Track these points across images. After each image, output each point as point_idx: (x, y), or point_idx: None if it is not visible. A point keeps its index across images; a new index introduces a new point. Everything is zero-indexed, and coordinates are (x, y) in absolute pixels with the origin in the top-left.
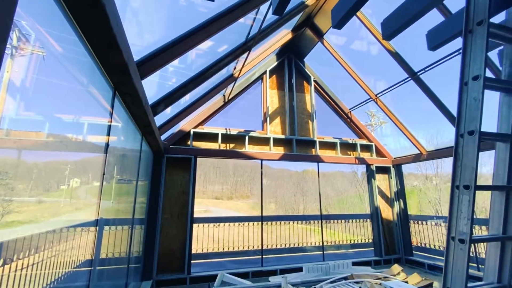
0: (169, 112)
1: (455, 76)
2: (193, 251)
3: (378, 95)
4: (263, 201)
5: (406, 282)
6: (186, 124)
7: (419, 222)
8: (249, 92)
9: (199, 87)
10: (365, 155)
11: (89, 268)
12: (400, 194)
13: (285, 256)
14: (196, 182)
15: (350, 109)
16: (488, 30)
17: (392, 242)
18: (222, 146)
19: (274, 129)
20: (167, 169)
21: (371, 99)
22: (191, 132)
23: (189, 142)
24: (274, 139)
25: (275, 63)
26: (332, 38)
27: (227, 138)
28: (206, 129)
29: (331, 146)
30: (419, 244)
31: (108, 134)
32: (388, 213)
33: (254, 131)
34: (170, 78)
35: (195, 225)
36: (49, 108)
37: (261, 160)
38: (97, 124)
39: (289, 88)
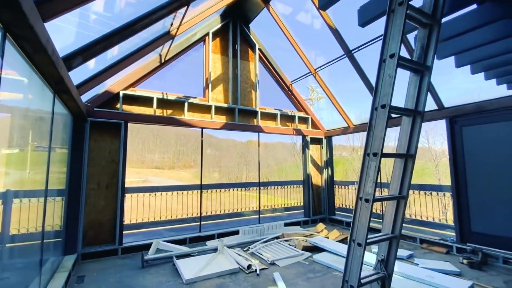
0: (93, 67)
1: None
2: (128, 222)
3: (317, 70)
4: (206, 170)
5: (327, 237)
6: (115, 85)
7: (343, 186)
8: (190, 55)
9: (129, 42)
10: (302, 127)
11: None
12: (329, 162)
13: (224, 222)
14: (131, 151)
15: (291, 81)
16: (407, 12)
17: (319, 204)
18: (158, 112)
19: (217, 97)
20: (92, 135)
21: (310, 73)
22: (121, 94)
23: (118, 106)
24: (216, 107)
25: (219, 25)
26: (279, 7)
27: (164, 103)
28: (139, 91)
29: (272, 117)
30: (341, 205)
31: None
32: (317, 179)
33: (195, 98)
34: (92, 28)
35: (129, 195)
36: None
37: (202, 128)
38: None
39: (233, 54)
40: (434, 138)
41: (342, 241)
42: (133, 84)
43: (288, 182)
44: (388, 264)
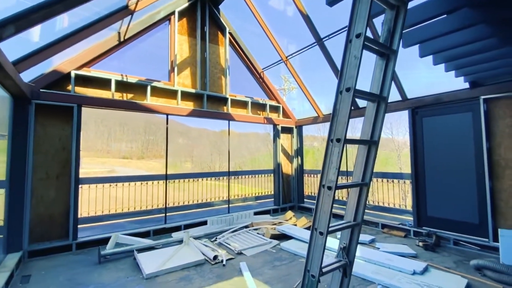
0: (38, 41)
1: None
2: (86, 215)
3: (288, 57)
4: (178, 160)
5: (295, 225)
6: (65, 63)
7: (312, 175)
8: (153, 35)
9: (80, 16)
10: (273, 116)
11: None
12: (299, 152)
13: (192, 212)
14: (95, 139)
15: (263, 68)
16: None
17: (289, 192)
18: (117, 96)
19: (183, 82)
20: (38, 120)
21: (282, 61)
22: (73, 75)
23: (70, 87)
24: (183, 92)
25: (186, 4)
26: None
27: (123, 86)
28: (94, 72)
29: (242, 104)
30: (310, 193)
31: None
32: (288, 168)
33: (159, 82)
34: None
35: (88, 187)
36: None
37: (167, 115)
38: None
39: (201, 37)
40: (398, 129)
41: (309, 228)
42: (87, 64)
43: (259, 171)
44: (350, 251)
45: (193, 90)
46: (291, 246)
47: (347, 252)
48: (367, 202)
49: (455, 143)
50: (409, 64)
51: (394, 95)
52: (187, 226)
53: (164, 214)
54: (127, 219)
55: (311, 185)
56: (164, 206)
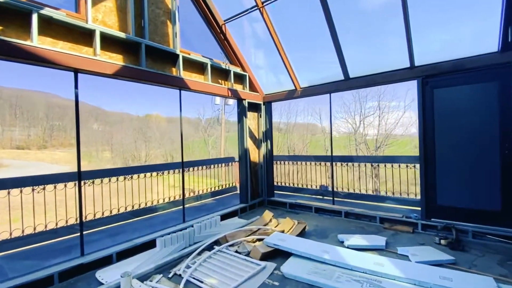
0: None
1: None
2: None
3: (265, 3)
4: (94, 149)
5: (283, 231)
6: None
7: (279, 162)
8: None
9: None
10: (238, 87)
11: None
12: (268, 134)
13: (126, 225)
14: None
15: (225, 20)
16: None
17: (257, 185)
18: None
19: (104, 19)
20: None
21: (256, 7)
22: None
23: None
24: (105, 36)
25: None
26: None
27: None
28: None
29: (198, 68)
30: (278, 183)
31: None
32: (255, 155)
33: (57, 10)
34: None
35: None
36: None
37: (75, 71)
38: None
39: None
40: (327, 114)
41: (301, 233)
42: None
43: (216, 161)
44: None
45: (122, 35)
46: (298, 269)
47: None
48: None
49: (473, 120)
50: (417, 26)
51: (399, 61)
52: (122, 255)
53: (79, 234)
54: (9, 252)
55: (278, 174)
56: (78, 221)
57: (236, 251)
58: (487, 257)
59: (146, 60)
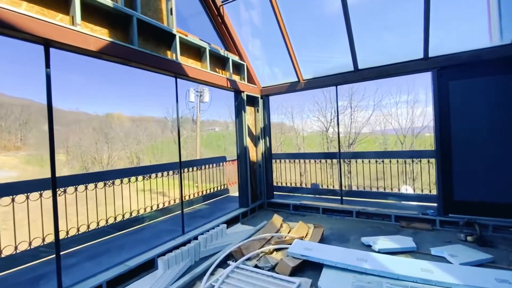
0: None
1: None
2: None
3: None
4: (46, 152)
5: (302, 238)
6: None
7: (276, 160)
8: None
9: None
10: (236, 78)
11: None
12: (267, 131)
13: (108, 242)
14: None
15: (223, 1)
16: None
17: (256, 186)
18: None
19: None
20: None
21: None
22: None
23: None
24: (86, 3)
25: None
26: None
27: None
28: None
29: (196, 53)
30: (276, 184)
31: None
32: (253, 153)
33: None
34: None
35: None
36: None
37: (47, 43)
38: None
39: None
40: (295, 113)
41: (321, 238)
42: None
43: (207, 161)
44: None
45: (108, 2)
46: (339, 284)
47: None
48: None
49: (491, 112)
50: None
51: (412, 52)
52: (115, 283)
53: (51, 258)
54: None
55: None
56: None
57: (256, 266)
58: None
59: (138, 37)
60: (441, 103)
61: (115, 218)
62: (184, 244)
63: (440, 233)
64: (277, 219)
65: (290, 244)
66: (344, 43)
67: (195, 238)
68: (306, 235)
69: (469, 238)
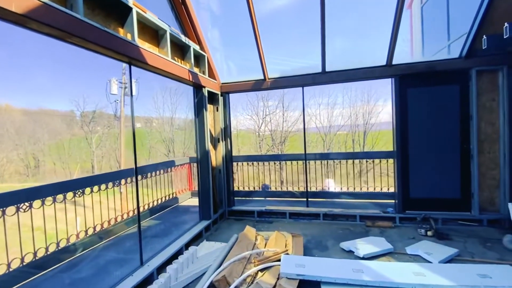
0: None
1: None
2: None
3: None
4: None
5: (287, 252)
6: None
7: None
8: None
9: None
10: (196, 71)
11: None
12: (227, 132)
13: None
14: None
15: None
16: None
17: (216, 194)
18: None
19: None
20: None
21: None
22: None
23: None
24: None
25: None
26: None
27: None
28: None
29: (153, 36)
30: (236, 188)
31: None
32: (213, 157)
33: None
34: None
35: None
36: None
37: None
38: None
39: None
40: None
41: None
42: None
43: (155, 167)
44: None
45: None
46: None
47: None
48: None
49: (440, 118)
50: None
51: (377, 59)
52: None
53: None
54: None
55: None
56: None
57: None
58: (469, 242)
59: (84, 6)
60: (401, 108)
61: (35, 254)
62: (147, 280)
63: (401, 229)
64: (249, 231)
65: (276, 260)
66: (315, 43)
67: (159, 268)
68: (286, 247)
69: (429, 233)
